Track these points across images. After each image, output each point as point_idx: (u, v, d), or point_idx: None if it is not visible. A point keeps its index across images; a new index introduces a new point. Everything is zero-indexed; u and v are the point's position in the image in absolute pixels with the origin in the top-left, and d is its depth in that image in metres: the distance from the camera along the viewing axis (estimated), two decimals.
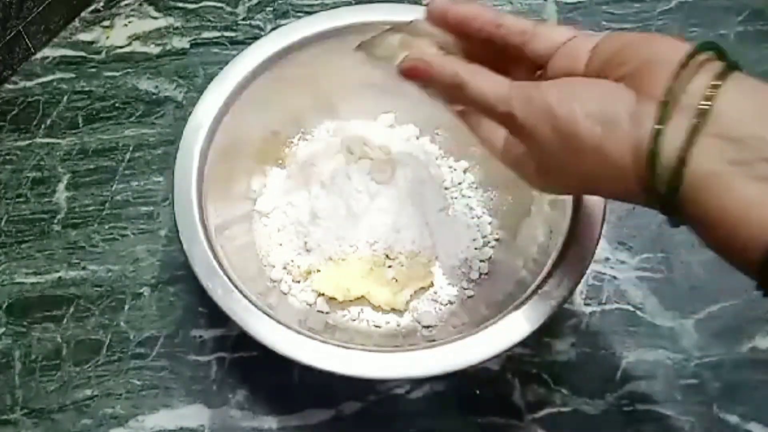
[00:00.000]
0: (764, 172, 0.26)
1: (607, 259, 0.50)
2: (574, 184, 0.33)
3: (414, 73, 0.35)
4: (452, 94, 0.34)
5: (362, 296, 0.46)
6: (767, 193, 0.26)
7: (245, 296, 0.39)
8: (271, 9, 0.62)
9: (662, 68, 0.28)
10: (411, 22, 0.36)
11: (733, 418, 0.45)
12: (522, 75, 0.35)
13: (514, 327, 0.38)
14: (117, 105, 0.57)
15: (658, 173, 0.27)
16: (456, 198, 0.50)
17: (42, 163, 0.54)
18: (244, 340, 0.40)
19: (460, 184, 0.51)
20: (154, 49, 0.60)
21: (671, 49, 0.29)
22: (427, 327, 0.45)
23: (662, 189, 0.28)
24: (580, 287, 0.47)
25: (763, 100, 0.27)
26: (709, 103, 0.26)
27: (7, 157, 0.54)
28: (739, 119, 0.26)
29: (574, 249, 0.40)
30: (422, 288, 0.47)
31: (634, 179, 0.29)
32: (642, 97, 0.28)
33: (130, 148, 0.55)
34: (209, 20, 0.61)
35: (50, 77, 0.58)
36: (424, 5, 0.36)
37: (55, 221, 0.52)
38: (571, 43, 0.33)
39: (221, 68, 0.46)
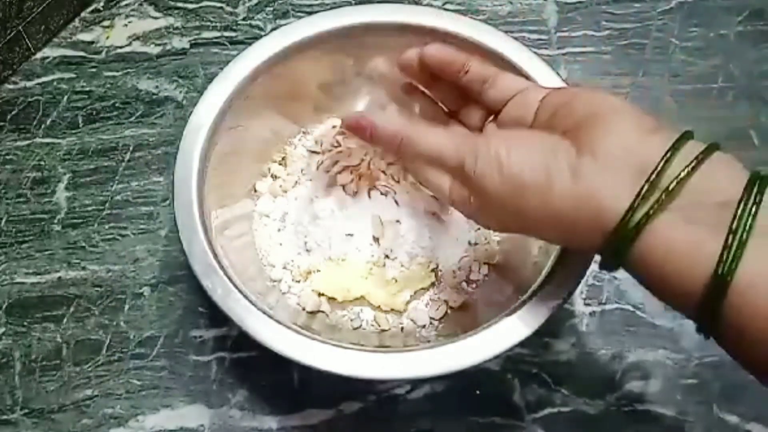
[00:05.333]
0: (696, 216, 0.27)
1: None
2: (517, 225, 0.35)
3: (356, 130, 0.37)
4: (397, 150, 0.36)
5: (362, 296, 0.46)
6: (697, 233, 0.27)
7: (245, 296, 0.39)
8: (271, 9, 0.62)
9: (598, 124, 0.30)
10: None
11: (733, 418, 0.45)
12: (478, 117, 0.39)
13: (514, 328, 0.38)
14: (117, 105, 0.57)
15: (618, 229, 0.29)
16: None
17: (42, 163, 0.54)
18: (244, 340, 0.40)
19: None
20: (154, 49, 0.60)
21: (609, 106, 0.31)
22: (427, 328, 0.46)
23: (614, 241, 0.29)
24: (580, 287, 0.47)
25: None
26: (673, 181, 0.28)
27: (7, 157, 0.54)
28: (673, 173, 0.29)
29: None
30: (422, 289, 0.47)
31: (580, 228, 0.31)
32: (581, 151, 0.30)
33: (130, 148, 0.55)
34: (209, 20, 0.61)
35: (50, 77, 0.58)
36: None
37: (55, 221, 0.52)
38: (522, 94, 0.36)
39: (221, 68, 0.46)
